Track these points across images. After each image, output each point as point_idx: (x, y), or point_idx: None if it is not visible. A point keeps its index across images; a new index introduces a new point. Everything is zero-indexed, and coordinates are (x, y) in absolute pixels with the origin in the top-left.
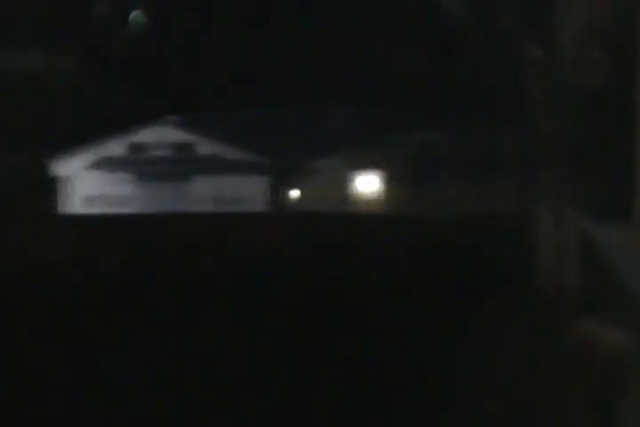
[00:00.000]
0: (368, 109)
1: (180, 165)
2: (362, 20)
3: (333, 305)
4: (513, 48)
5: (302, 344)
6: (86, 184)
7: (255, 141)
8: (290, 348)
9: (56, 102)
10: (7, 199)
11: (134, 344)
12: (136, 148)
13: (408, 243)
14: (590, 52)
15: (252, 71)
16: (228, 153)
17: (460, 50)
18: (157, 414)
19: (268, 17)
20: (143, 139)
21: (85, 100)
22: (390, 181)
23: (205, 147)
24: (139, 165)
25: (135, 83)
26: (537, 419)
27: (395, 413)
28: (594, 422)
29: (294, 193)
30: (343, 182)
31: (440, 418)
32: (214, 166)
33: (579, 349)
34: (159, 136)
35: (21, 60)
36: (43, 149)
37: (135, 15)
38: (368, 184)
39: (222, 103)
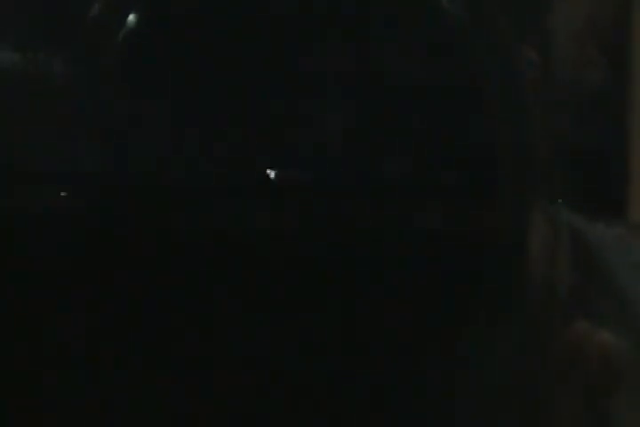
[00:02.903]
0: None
1: None
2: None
3: (330, 304)
4: (511, 49)
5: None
6: None
7: None
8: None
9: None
10: None
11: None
12: None
13: (405, 242)
14: (590, 51)
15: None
16: None
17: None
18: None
19: (268, 16)
20: None
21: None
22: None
23: None
24: None
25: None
26: (534, 419)
27: (393, 412)
28: (590, 423)
29: None
30: None
31: (437, 418)
32: None
33: (574, 349)
34: None
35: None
36: None
37: (132, 15)
38: None
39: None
